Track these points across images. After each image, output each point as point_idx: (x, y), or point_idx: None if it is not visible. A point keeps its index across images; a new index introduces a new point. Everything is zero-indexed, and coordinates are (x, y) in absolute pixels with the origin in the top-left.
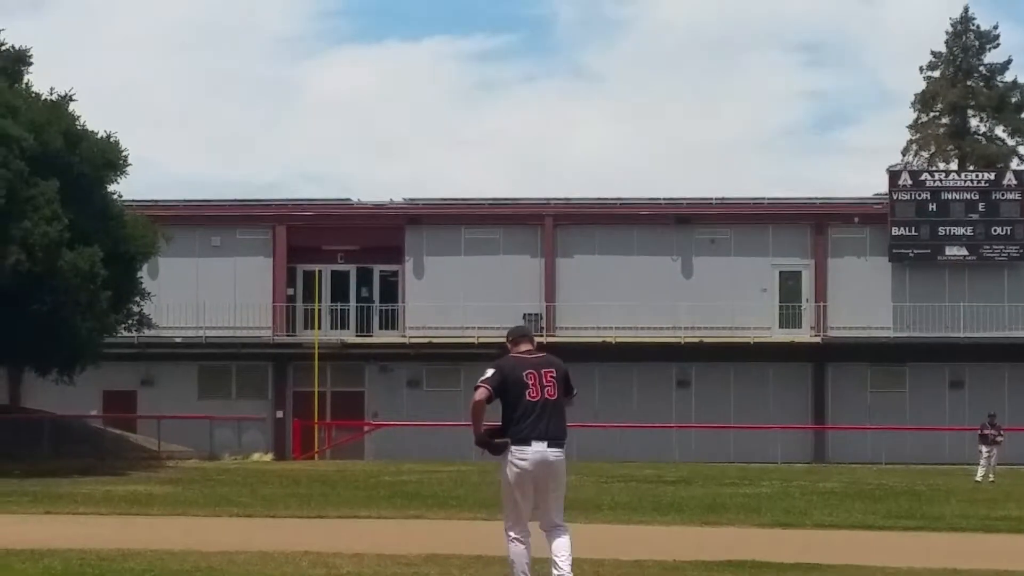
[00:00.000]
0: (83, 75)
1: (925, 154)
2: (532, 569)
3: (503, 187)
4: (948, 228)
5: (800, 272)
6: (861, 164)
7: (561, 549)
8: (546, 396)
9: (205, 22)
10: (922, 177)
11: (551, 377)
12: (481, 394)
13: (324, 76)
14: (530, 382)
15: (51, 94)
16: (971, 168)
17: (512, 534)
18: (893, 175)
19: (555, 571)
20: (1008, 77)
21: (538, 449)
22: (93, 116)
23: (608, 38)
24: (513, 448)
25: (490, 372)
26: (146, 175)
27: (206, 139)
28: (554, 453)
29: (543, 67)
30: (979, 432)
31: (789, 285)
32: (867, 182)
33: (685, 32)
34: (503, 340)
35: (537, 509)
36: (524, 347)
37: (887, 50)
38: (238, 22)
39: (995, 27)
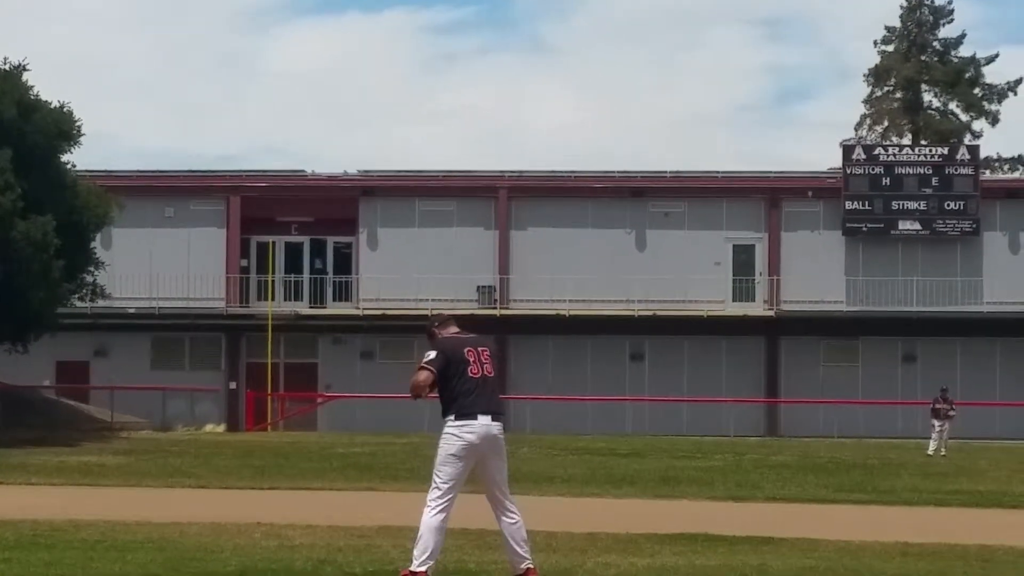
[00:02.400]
0: (40, 46)
1: (879, 128)
2: (439, 552)
3: (460, 160)
4: (901, 203)
5: (754, 246)
6: (819, 138)
7: (518, 536)
8: (485, 373)
9: None
10: (876, 152)
11: (487, 355)
12: (425, 376)
13: (284, 48)
14: (471, 359)
15: (4, 63)
16: (924, 143)
17: (437, 505)
18: (847, 149)
19: (514, 557)
20: (962, 52)
21: (484, 423)
22: (50, 87)
23: (567, 11)
24: (458, 423)
25: (432, 354)
26: (104, 147)
27: (165, 111)
28: (497, 427)
29: (501, 40)
30: (931, 406)
31: (743, 259)
32: (825, 156)
33: (645, 5)
34: (457, 312)
35: (488, 487)
36: (454, 329)
37: (846, 25)
38: None
39: (949, 2)
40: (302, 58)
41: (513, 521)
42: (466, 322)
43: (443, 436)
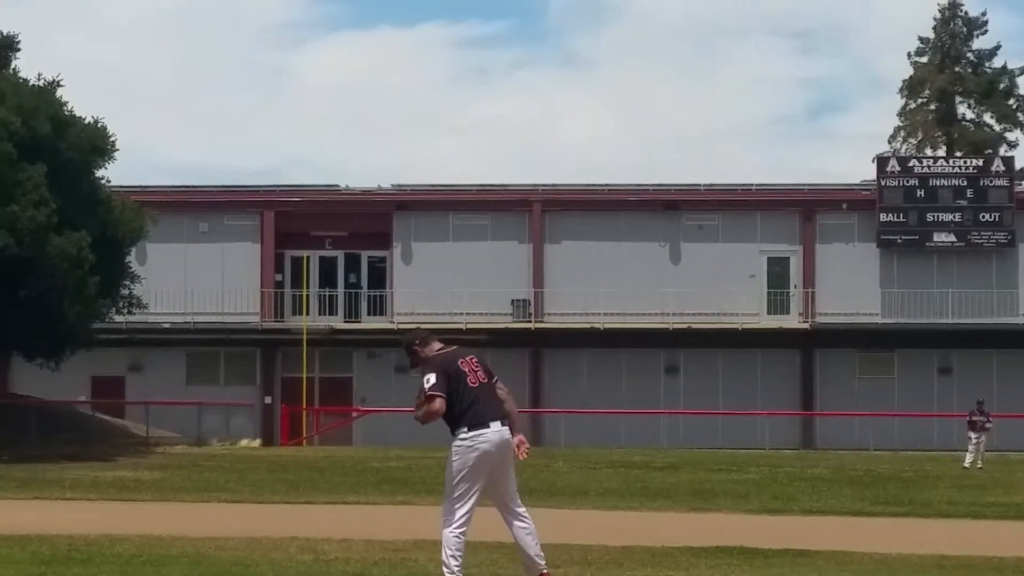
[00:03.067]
0: (73, 61)
1: (913, 141)
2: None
3: (492, 173)
4: (936, 214)
5: (788, 258)
6: (853, 150)
7: (530, 539)
8: (481, 380)
9: (197, 7)
10: (910, 163)
11: (476, 363)
12: (440, 404)
13: (316, 62)
14: (466, 370)
15: (39, 80)
16: (959, 154)
17: (458, 523)
18: (881, 161)
19: (529, 563)
20: (996, 63)
21: (496, 430)
22: (84, 102)
23: (599, 24)
24: (472, 433)
25: (433, 378)
26: (138, 162)
27: (198, 126)
28: (507, 431)
29: (534, 53)
30: (967, 418)
31: (777, 271)
32: (858, 169)
33: (676, 18)
34: (490, 325)
35: (495, 494)
36: (437, 345)
37: (878, 37)
38: (230, 7)
39: (983, 13)
40: (334, 72)
41: (525, 526)
42: (500, 336)
43: (456, 449)
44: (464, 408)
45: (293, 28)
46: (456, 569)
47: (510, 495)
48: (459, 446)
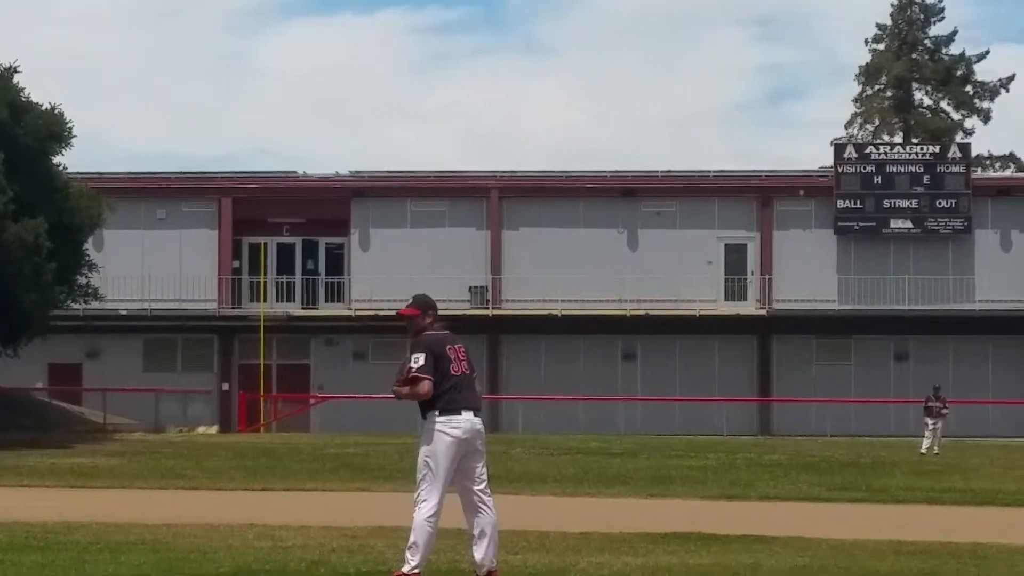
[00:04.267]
0: (32, 47)
1: (870, 127)
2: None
3: (453, 160)
4: (893, 201)
5: (746, 245)
6: (812, 137)
7: (492, 533)
8: (463, 370)
9: None
10: (867, 150)
11: (463, 352)
12: (428, 387)
13: (276, 49)
14: (452, 356)
15: None
16: (916, 141)
17: (430, 508)
18: (838, 148)
19: (485, 561)
20: (953, 50)
21: (467, 418)
22: (42, 89)
23: (561, 11)
24: (444, 419)
25: (422, 358)
26: (96, 149)
27: (157, 112)
28: (479, 421)
29: (496, 40)
30: (924, 404)
31: (735, 258)
32: (818, 155)
33: (638, 5)
34: (448, 312)
35: (462, 482)
36: (431, 320)
37: (839, 23)
38: None
39: (940, 0)
40: (295, 59)
41: (487, 518)
42: (458, 323)
43: (426, 434)
44: (440, 393)
45: (254, 15)
46: (418, 559)
47: (477, 483)
48: (432, 431)
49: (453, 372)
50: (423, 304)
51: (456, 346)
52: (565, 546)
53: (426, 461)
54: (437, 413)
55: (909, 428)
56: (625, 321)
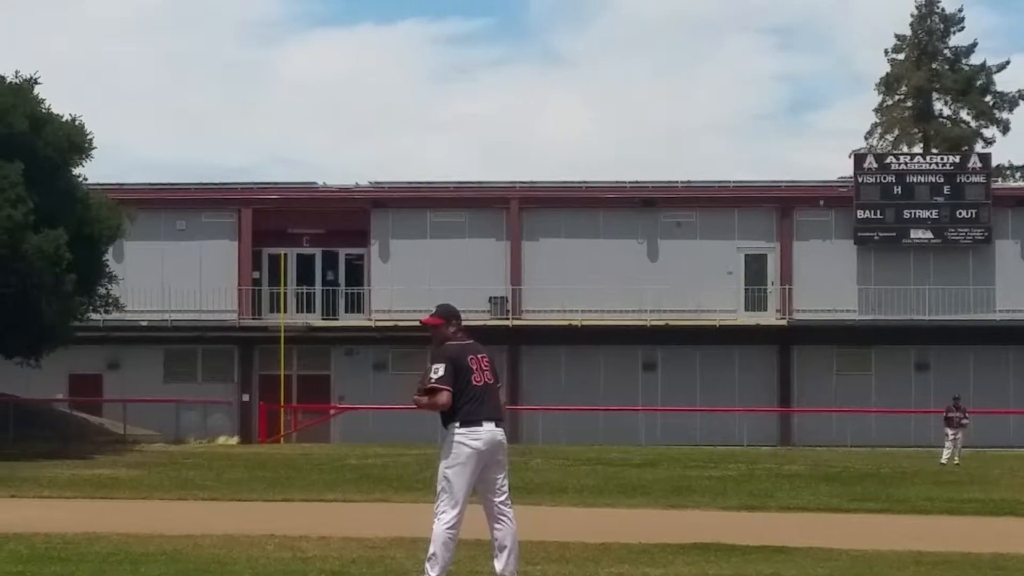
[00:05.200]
0: (52, 58)
1: (889, 137)
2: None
3: (472, 171)
4: (913, 211)
5: (765, 255)
6: (832, 147)
7: (511, 544)
8: (486, 380)
9: (177, 4)
10: (887, 160)
11: (487, 362)
12: (446, 399)
13: (297, 59)
14: (474, 367)
15: (15, 77)
16: (936, 151)
17: (450, 519)
18: (858, 158)
19: (497, 566)
20: (973, 60)
21: (488, 429)
22: (61, 100)
23: (580, 22)
24: (464, 430)
25: (442, 368)
26: (116, 159)
27: (177, 123)
28: (500, 432)
29: (515, 50)
30: (944, 415)
31: (754, 268)
32: (838, 165)
33: (657, 15)
34: (467, 324)
35: (484, 493)
36: (454, 330)
37: (859, 33)
38: (210, 4)
39: (960, 10)
40: (315, 69)
41: (507, 529)
42: (478, 333)
43: (447, 445)
44: (461, 404)
45: (274, 25)
46: (437, 570)
47: (498, 494)
48: (449, 441)
49: (475, 382)
50: (446, 313)
51: (480, 356)
52: (585, 557)
53: (446, 473)
54: (457, 424)
55: (929, 438)
56: (645, 332)
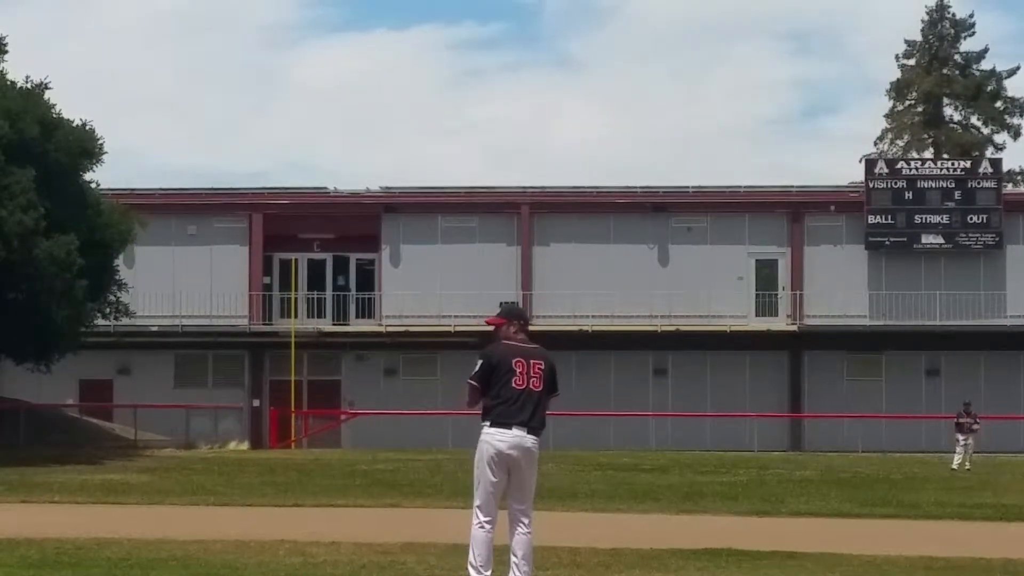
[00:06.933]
0: (63, 63)
1: (900, 143)
2: (490, 563)
3: (483, 176)
4: (924, 216)
5: (776, 260)
6: (844, 152)
7: (527, 551)
8: (531, 387)
9: (190, 8)
10: (898, 166)
11: (539, 369)
12: (472, 396)
13: (310, 64)
14: (518, 370)
15: (27, 82)
16: (947, 157)
17: (480, 516)
18: (869, 163)
19: (511, 573)
20: (984, 66)
21: (517, 433)
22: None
23: (594, 27)
24: (492, 430)
25: (478, 366)
26: (127, 165)
27: (189, 128)
28: (531, 440)
29: (529, 56)
30: (955, 420)
31: (765, 273)
32: (849, 170)
33: (670, 20)
34: (479, 328)
35: (508, 496)
36: (515, 331)
37: (871, 38)
38: (224, 9)
39: (971, 15)
40: (328, 74)
41: (521, 537)
42: (491, 338)
43: (479, 443)
44: (495, 404)
45: (288, 30)
46: (475, 568)
47: (519, 500)
48: (481, 440)
49: (515, 385)
50: (509, 313)
51: (532, 360)
52: (596, 562)
53: (476, 472)
54: (488, 424)
55: (940, 444)
56: (656, 337)
